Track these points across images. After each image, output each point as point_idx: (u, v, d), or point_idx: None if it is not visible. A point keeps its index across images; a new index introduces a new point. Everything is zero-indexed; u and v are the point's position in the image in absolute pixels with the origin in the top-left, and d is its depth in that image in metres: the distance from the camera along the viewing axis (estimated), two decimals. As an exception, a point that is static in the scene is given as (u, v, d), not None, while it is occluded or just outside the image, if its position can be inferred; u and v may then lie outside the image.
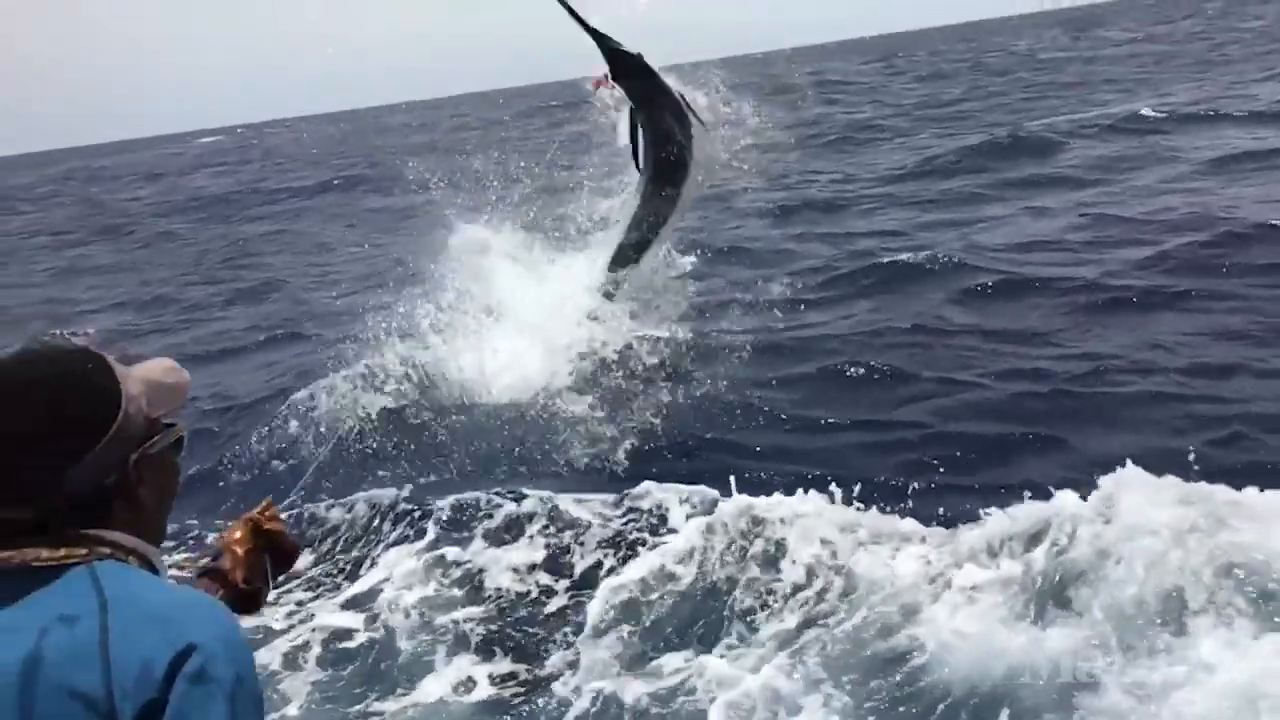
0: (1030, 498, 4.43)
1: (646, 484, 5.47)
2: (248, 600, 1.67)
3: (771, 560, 4.64)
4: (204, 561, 1.70)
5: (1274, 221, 8.98)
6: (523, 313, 7.52)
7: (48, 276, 17.82)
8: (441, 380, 7.22)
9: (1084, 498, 4.19)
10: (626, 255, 7.57)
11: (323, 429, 6.85)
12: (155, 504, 1.36)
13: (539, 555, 5.15)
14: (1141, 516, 4.00)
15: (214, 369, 9.34)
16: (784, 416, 6.36)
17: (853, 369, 6.98)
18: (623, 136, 7.24)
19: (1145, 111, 17.12)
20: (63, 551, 1.22)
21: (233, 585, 1.65)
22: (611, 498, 5.46)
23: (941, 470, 5.46)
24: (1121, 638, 3.66)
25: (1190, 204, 10.44)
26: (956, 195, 13.22)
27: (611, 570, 4.87)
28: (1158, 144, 14.53)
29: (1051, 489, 4.40)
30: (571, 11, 6.56)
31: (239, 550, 1.68)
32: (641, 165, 7.27)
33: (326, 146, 44.84)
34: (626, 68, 6.79)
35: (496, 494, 5.63)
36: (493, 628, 4.60)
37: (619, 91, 7.03)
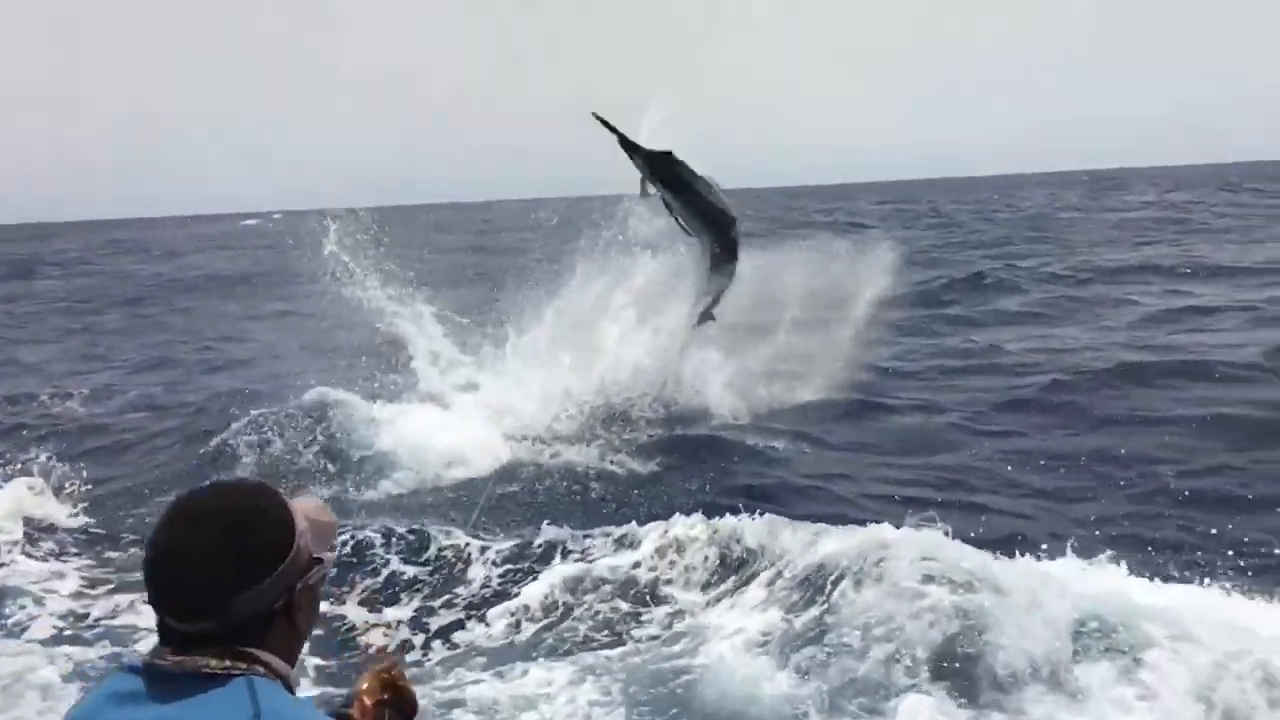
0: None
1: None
2: None
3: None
4: (337, 703, 1.85)
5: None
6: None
7: (55, 335, 18.43)
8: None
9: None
10: (708, 315, 9.39)
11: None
12: (304, 630, 1.48)
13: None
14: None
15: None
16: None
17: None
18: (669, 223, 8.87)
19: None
20: (227, 663, 1.35)
21: None
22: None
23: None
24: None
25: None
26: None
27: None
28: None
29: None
30: (604, 122, 7.81)
31: (367, 701, 1.79)
32: (696, 238, 8.93)
33: (370, 237, 46.33)
34: (660, 164, 7.99)
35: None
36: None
37: (660, 190, 8.25)
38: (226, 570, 1.35)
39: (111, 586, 6.20)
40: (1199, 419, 8.26)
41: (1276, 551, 5.88)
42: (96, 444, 9.52)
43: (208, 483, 1.51)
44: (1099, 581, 5.08)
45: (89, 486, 7.94)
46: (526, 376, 9.79)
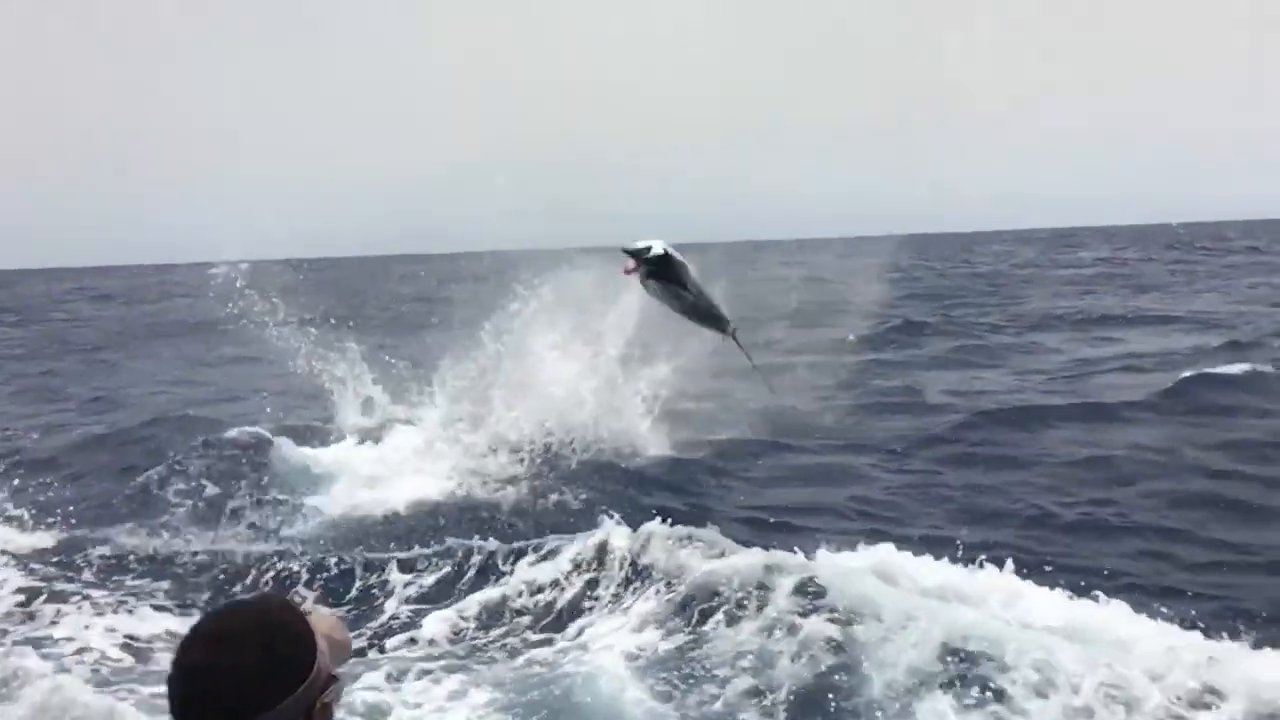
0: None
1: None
2: None
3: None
4: None
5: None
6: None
7: (6, 379, 18.49)
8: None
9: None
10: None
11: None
12: None
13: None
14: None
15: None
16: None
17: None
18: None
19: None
20: None
21: None
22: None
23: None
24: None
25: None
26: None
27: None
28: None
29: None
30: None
31: None
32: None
33: (324, 286, 46.73)
34: (659, 267, 7.79)
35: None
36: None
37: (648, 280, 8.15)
38: (251, 690, 1.37)
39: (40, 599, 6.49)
40: (1088, 458, 8.78)
41: (1150, 574, 6.30)
42: (41, 478, 9.77)
43: (231, 601, 1.64)
44: (978, 607, 5.37)
45: (32, 510, 8.19)
46: (455, 412, 10.20)
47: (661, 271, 7.76)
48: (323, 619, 1.56)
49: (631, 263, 7.47)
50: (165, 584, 6.86)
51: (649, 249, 7.56)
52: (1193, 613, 5.32)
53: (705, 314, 8.23)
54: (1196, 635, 5.00)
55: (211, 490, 8.97)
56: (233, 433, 10.12)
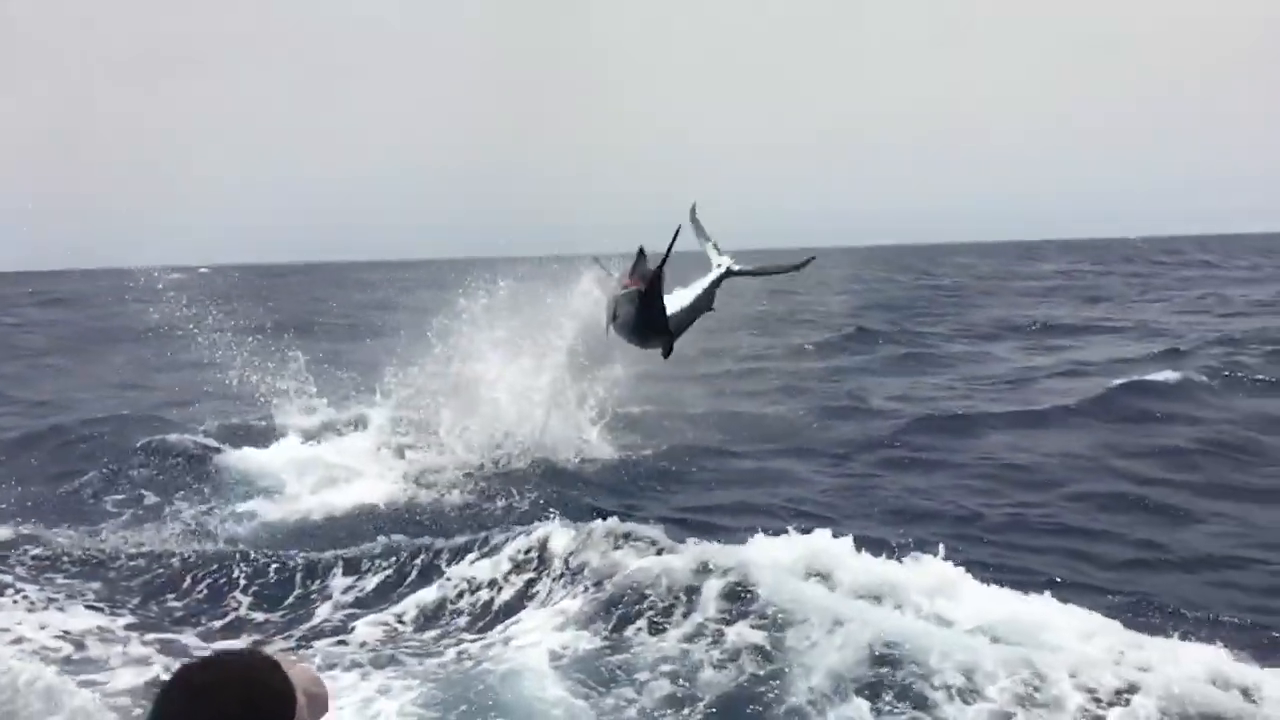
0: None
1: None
2: None
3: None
4: None
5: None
6: None
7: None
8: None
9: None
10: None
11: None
12: None
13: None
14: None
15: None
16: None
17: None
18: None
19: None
20: None
21: None
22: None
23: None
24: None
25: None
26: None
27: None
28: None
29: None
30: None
31: None
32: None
33: (283, 293, 46.39)
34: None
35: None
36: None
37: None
38: None
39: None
40: (1018, 462, 9.06)
41: (1072, 573, 6.49)
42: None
43: (208, 653, 1.61)
44: (905, 607, 5.53)
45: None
46: (402, 416, 10.25)
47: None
48: (302, 673, 1.54)
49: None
50: (97, 584, 6.79)
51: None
52: (1111, 609, 5.51)
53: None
54: (1115, 632, 5.18)
55: (151, 492, 8.96)
56: (175, 436, 10.15)
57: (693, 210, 7.13)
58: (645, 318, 6.30)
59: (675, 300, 6.66)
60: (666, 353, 6.86)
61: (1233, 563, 6.59)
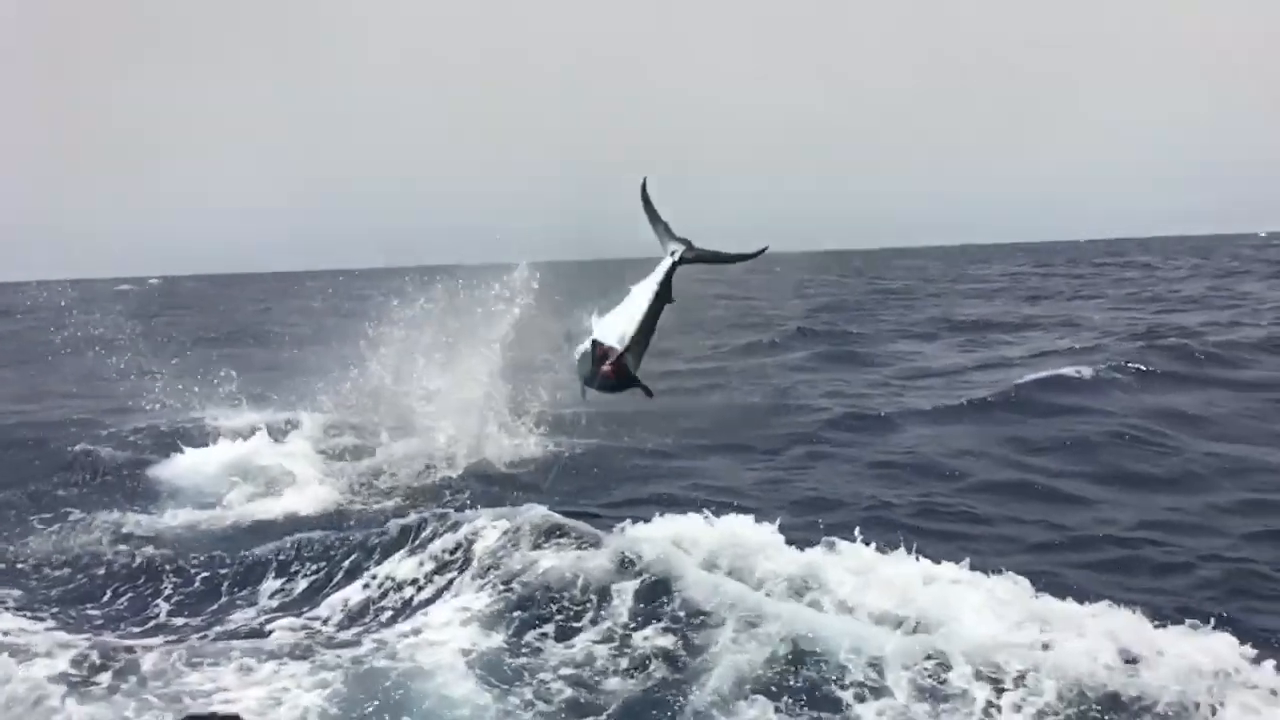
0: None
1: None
2: None
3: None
4: None
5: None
6: None
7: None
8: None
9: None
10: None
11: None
12: None
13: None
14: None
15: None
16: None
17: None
18: None
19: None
20: None
21: None
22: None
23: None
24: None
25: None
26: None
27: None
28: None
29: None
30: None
31: None
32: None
33: (230, 302, 46.07)
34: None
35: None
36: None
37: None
38: None
39: None
40: (928, 454, 9.44)
41: (978, 558, 6.73)
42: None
43: (187, 715, 1.66)
44: (815, 598, 5.73)
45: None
46: (335, 420, 10.39)
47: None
48: None
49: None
50: (17, 592, 6.83)
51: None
52: (1016, 591, 5.72)
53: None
54: (1020, 609, 5.44)
55: (79, 499, 9.00)
56: (107, 446, 10.16)
57: (643, 187, 6.50)
58: (619, 385, 5.89)
59: (631, 310, 6.18)
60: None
61: (1130, 544, 6.90)
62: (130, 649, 5.60)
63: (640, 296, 6.18)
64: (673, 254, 6.36)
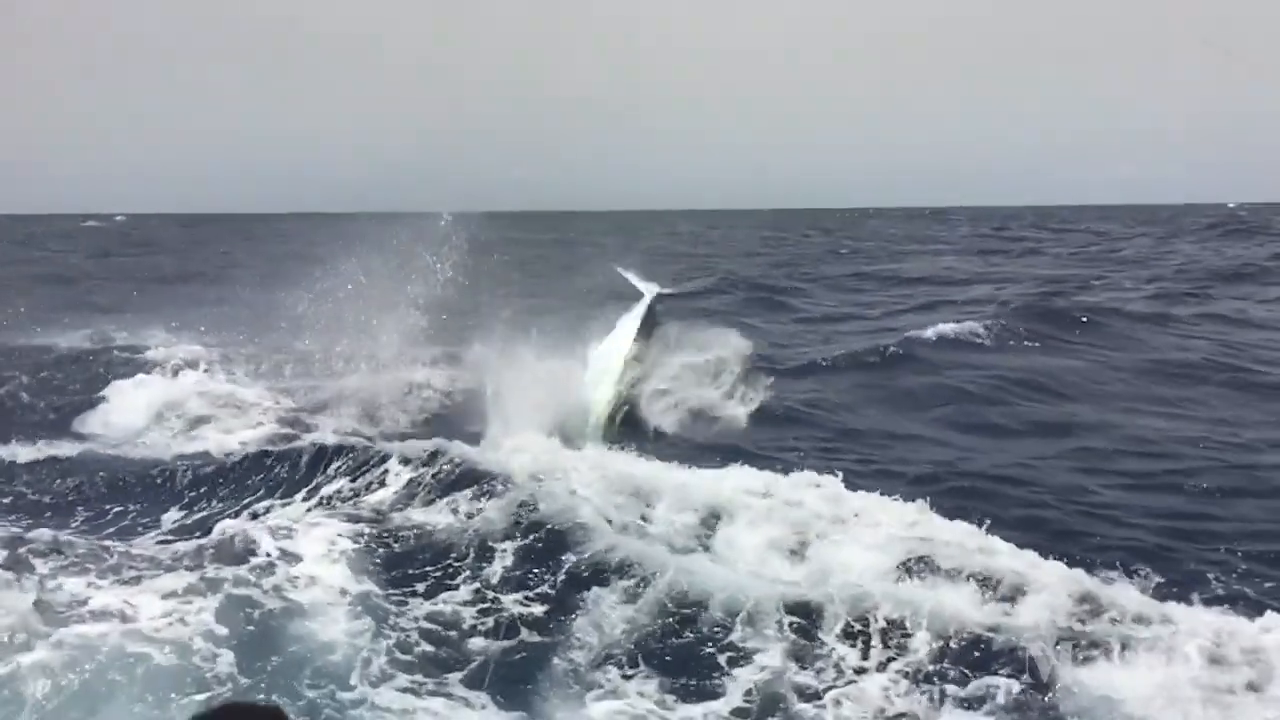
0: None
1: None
2: None
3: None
4: None
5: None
6: None
7: None
8: None
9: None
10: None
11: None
12: None
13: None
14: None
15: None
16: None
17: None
18: None
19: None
20: None
21: None
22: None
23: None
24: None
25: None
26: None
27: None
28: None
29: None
30: None
31: None
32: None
33: (196, 243, 45.61)
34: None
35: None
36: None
37: None
38: None
39: None
40: (809, 400, 10.20)
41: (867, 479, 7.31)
42: None
43: (219, 705, 1.66)
44: (705, 541, 6.14)
45: None
46: (269, 365, 10.97)
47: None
48: None
49: None
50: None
51: None
52: (893, 537, 6.01)
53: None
54: (897, 541, 5.89)
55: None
56: (31, 375, 10.36)
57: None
58: None
59: (620, 339, 9.21)
60: None
61: (995, 482, 7.45)
62: (27, 559, 5.59)
63: (625, 332, 9.17)
64: (651, 292, 9.80)
